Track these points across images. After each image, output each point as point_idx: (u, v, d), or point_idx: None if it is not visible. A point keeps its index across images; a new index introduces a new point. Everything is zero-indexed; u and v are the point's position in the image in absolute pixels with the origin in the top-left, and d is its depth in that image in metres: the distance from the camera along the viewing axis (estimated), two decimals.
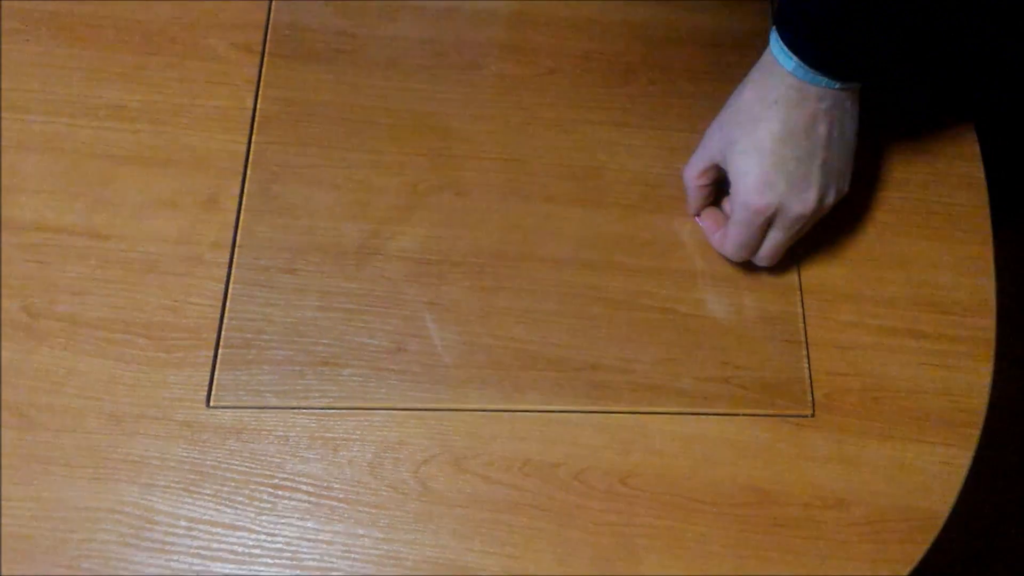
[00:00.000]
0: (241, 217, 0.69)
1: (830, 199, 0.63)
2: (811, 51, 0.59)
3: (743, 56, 0.75)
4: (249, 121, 0.73)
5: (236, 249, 0.68)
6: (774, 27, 0.61)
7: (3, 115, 0.73)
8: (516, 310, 0.66)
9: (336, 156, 0.71)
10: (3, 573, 0.58)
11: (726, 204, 0.68)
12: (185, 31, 0.76)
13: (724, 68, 0.75)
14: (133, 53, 0.75)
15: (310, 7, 0.77)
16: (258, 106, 0.73)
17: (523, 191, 0.70)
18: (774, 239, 0.64)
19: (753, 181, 0.61)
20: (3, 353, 0.64)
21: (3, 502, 0.60)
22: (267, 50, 0.76)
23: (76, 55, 0.75)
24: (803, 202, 0.62)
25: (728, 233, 0.65)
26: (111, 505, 0.60)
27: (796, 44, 0.59)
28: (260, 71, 0.75)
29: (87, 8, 0.77)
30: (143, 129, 0.73)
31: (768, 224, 0.63)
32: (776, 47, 0.60)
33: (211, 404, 0.63)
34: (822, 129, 0.61)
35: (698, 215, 0.69)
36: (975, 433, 0.62)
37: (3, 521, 0.59)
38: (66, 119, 0.73)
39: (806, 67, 0.59)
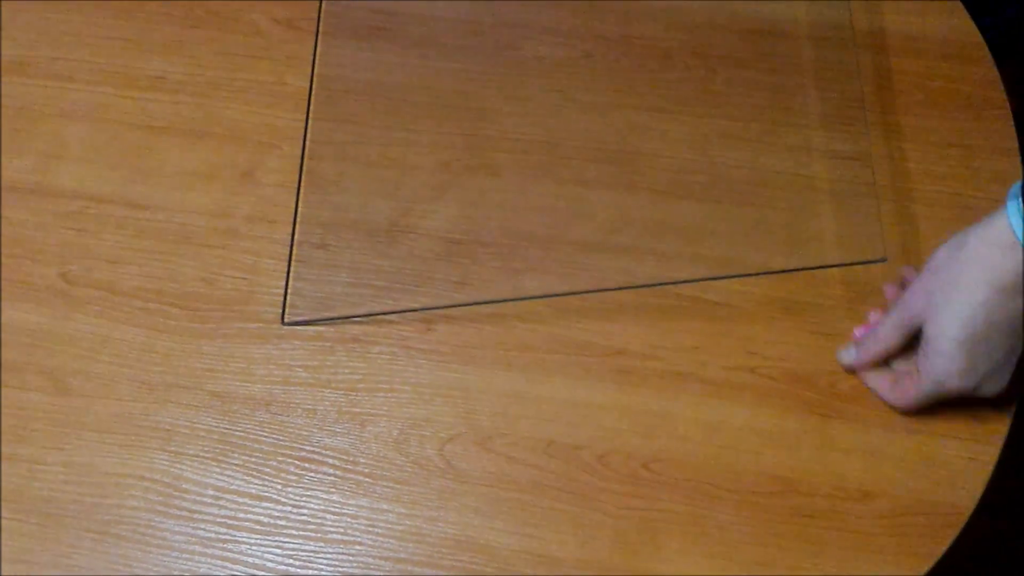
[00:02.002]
0: (276, 192, 0.70)
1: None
2: None
3: (782, 44, 0.75)
4: (287, 96, 0.73)
5: (271, 223, 0.69)
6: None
7: (46, 83, 0.74)
8: (545, 292, 0.66)
9: (371, 133, 0.72)
10: (4, 572, 0.59)
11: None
12: (227, 5, 0.77)
13: (763, 56, 0.74)
14: (176, 25, 0.76)
15: None
16: (297, 82, 0.74)
17: (556, 173, 0.70)
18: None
19: (958, 366, 0.57)
20: (39, 319, 0.65)
21: (35, 465, 0.61)
22: (308, 27, 0.76)
23: (120, 26, 0.76)
24: (995, 386, 0.58)
25: (910, 396, 0.61)
26: (141, 472, 0.61)
27: None
28: (301, 47, 0.75)
29: None
30: (183, 101, 0.73)
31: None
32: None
33: (242, 375, 0.64)
34: None
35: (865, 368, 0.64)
36: (1002, 429, 0.62)
37: (34, 484, 0.61)
38: (108, 89, 0.74)
39: None
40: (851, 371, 0.63)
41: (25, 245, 0.68)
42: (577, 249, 0.67)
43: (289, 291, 0.66)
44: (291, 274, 0.66)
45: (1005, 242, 0.54)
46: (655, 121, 0.72)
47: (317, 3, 0.77)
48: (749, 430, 0.62)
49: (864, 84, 0.73)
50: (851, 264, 0.61)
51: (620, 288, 0.66)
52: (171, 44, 0.76)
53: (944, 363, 0.57)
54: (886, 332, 0.61)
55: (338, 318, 0.65)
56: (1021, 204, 0.53)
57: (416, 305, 0.66)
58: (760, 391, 0.63)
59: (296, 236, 0.68)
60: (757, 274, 0.66)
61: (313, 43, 0.75)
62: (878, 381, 0.63)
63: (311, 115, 0.72)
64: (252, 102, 0.73)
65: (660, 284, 0.66)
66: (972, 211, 0.69)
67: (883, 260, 0.59)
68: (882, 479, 0.61)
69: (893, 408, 0.62)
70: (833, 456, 0.62)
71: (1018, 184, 0.54)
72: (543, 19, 0.76)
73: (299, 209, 0.68)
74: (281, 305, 0.65)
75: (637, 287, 0.66)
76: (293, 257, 0.67)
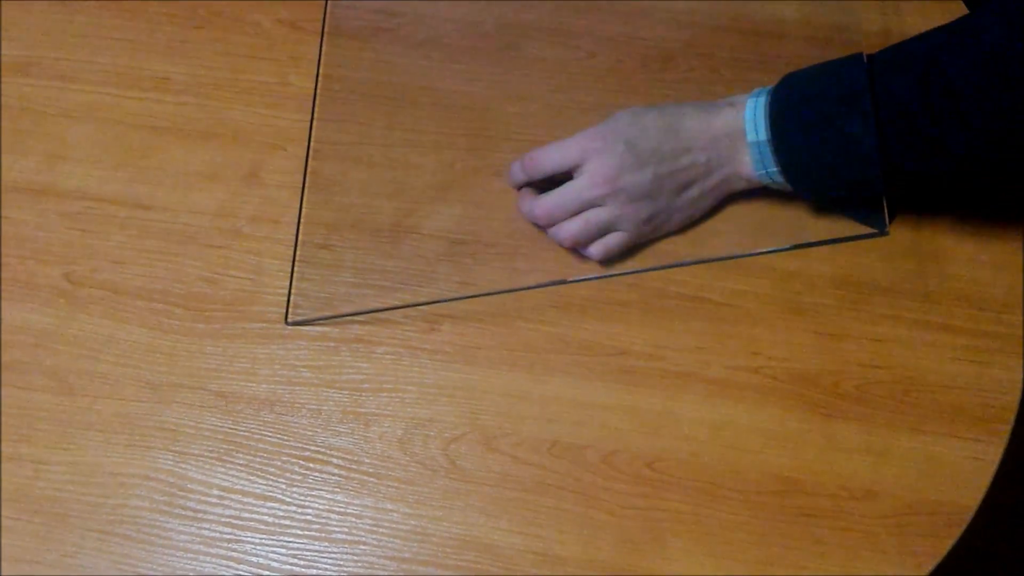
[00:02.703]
0: (280, 193, 0.70)
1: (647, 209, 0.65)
2: (799, 174, 0.62)
3: (785, 46, 0.75)
4: (291, 97, 0.73)
5: (274, 224, 0.69)
6: (770, 123, 0.62)
7: (50, 84, 0.74)
8: (549, 292, 0.66)
9: (374, 134, 0.72)
10: (5, 573, 0.59)
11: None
12: (230, 6, 0.77)
13: (767, 58, 0.74)
14: (179, 26, 0.76)
15: None
16: (300, 83, 0.74)
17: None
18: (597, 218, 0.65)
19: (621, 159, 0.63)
20: (43, 319, 0.66)
21: (39, 465, 0.61)
22: (312, 27, 0.76)
23: (123, 27, 0.76)
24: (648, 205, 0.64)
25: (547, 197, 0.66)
26: (145, 472, 0.61)
27: (788, 163, 0.61)
28: (304, 48, 0.75)
29: None
30: (187, 102, 0.73)
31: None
32: (758, 154, 0.63)
33: (247, 375, 0.64)
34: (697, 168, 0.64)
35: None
36: (1006, 429, 0.62)
37: (39, 484, 0.61)
38: (112, 89, 0.74)
39: (777, 173, 0.63)
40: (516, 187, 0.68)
41: (29, 245, 0.68)
42: None
43: (293, 291, 0.66)
44: (295, 274, 0.67)
45: (729, 101, 0.64)
46: None
47: (320, 4, 0.77)
48: (753, 430, 0.62)
49: None
50: (852, 239, 0.62)
51: (622, 273, 0.66)
52: (174, 45, 0.76)
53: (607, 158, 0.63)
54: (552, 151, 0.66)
55: (341, 316, 0.65)
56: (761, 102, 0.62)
57: (408, 318, 0.66)
58: (764, 391, 0.63)
59: (300, 236, 0.68)
60: (754, 254, 0.67)
61: (316, 44, 0.75)
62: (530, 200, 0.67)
63: (316, 115, 0.72)
64: (255, 103, 0.73)
65: (661, 268, 0.66)
66: None
67: (885, 233, 0.60)
68: (886, 479, 0.61)
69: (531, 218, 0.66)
70: (837, 456, 0.62)
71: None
72: (546, 20, 0.76)
73: (303, 209, 0.68)
74: (285, 305, 0.65)
75: (639, 271, 0.66)
76: (297, 257, 0.67)
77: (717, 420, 0.63)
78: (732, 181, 0.66)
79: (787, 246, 0.65)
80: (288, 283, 0.66)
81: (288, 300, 0.65)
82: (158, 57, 0.75)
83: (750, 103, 0.63)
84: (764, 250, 0.66)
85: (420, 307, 0.66)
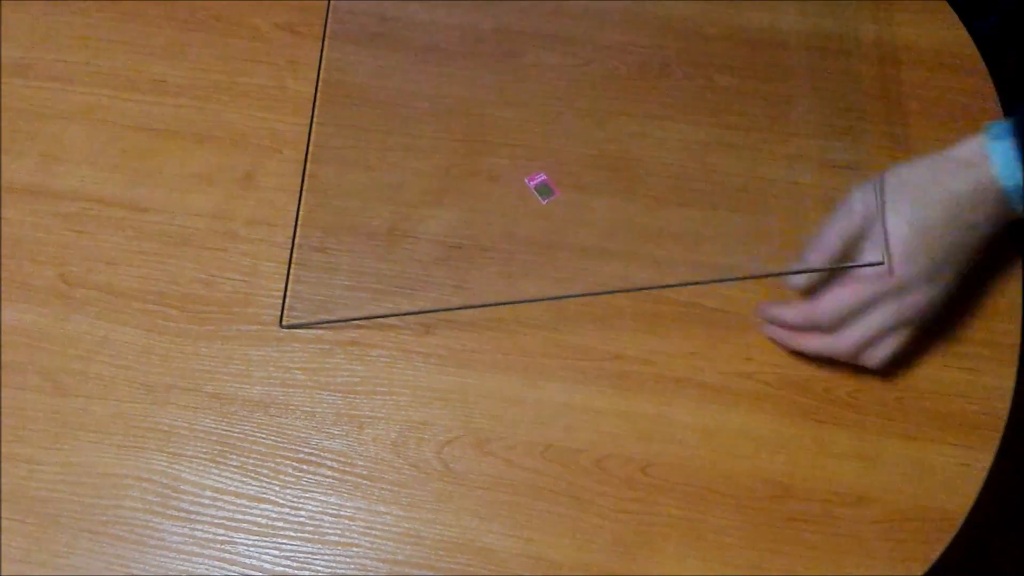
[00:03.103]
0: (276, 196, 0.70)
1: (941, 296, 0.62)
2: None
3: (780, 54, 0.75)
4: (288, 100, 0.74)
5: (270, 226, 0.69)
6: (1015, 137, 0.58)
7: (48, 85, 0.74)
8: (543, 297, 0.66)
9: (372, 138, 0.72)
10: (3, 572, 0.59)
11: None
12: (229, 8, 0.77)
13: (761, 66, 0.75)
14: (177, 29, 0.77)
15: None
16: (297, 87, 0.74)
17: (555, 179, 0.70)
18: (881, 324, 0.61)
19: (902, 247, 0.60)
20: (39, 319, 0.66)
21: (33, 465, 0.61)
22: (309, 32, 0.76)
23: (121, 29, 0.77)
24: (933, 288, 0.61)
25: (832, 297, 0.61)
26: (139, 473, 0.61)
27: None
28: (302, 52, 0.75)
29: None
30: (184, 104, 0.74)
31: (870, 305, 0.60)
32: (1006, 159, 0.58)
33: (241, 377, 0.64)
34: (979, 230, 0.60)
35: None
36: (996, 436, 0.62)
37: (32, 484, 0.61)
38: (109, 91, 0.74)
39: None
40: (807, 292, 0.63)
41: (25, 246, 0.68)
42: (575, 254, 0.68)
43: (288, 294, 0.66)
44: (290, 277, 0.67)
45: (967, 159, 0.60)
46: (653, 128, 0.73)
47: (318, 8, 0.77)
48: (745, 435, 0.63)
49: (861, 94, 0.74)
50: (849, 266, 0.61)
51: (614, 291, 0.66)
52: (172, 47, 0.76)
53: (898, 248, 0.60)
54: (830, 239, 0.62)
55: (334, 321, 0.65)
56: (1012, 144, 0.58)
57: (413, 308, 0.66)
58: (756, 396, 0.64)
59: (296, 239, 0.68)
60: (751, 278, 0.67)
61: (313, 48, 0.75)
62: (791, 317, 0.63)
63: (315, 119, 0.72)
64: (253, 106, 0.74)
65: (652, 288, 0.66)
66: None
67: (880, 263, 0.60)
68: (876, 484, 0.61)
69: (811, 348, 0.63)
70: (828, 461, 0.62)
71: (1001, 123, 0.59)
72: (544, 27, 0.77)
73: (300, 212, 0.69)
74: (280, 307, 0.66)
75: (628, 291, 0.66)
76: (293, 260, 0.67)
77: (710, 425, 0.63)
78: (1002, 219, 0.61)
79: (794, 269, 0.64)
80: (284, 286, 0.66)
81: (283, 303, 0.66)
82: (156, 60, 0.76)
83: (996, 151, 0.59)
84: (771, 272, 0.66)
85: (414, 309, 0.66)
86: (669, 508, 0.61)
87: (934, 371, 0.64)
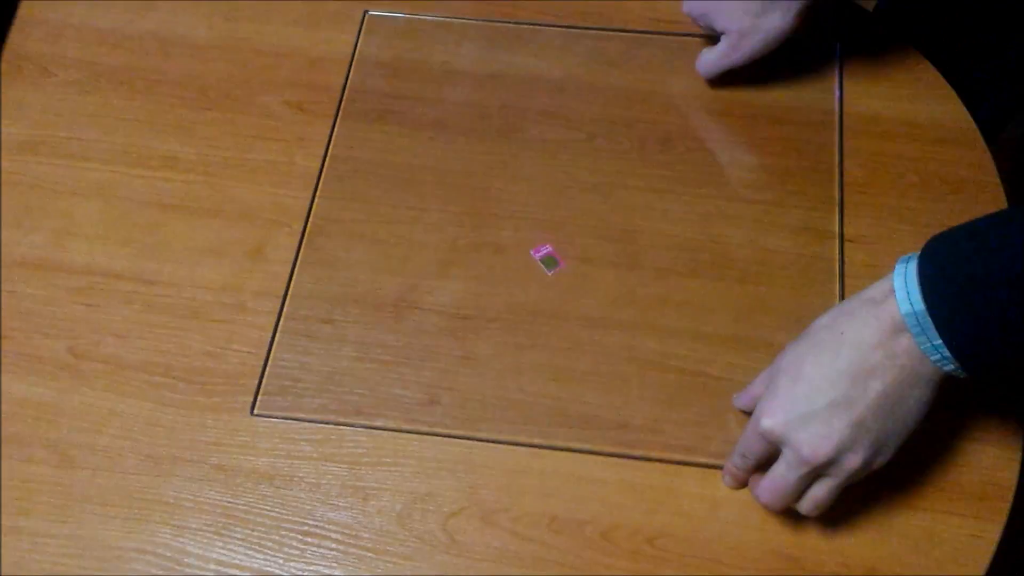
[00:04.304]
0: (284, 268, 0.71)
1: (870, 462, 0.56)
2: (974, 353, 0.51)
3: (781, 129, 0.77)
4: (297, 176, 0.75)
5: (278, 298, 0.70)
6: (925, 305, 0.51)
7: (60, 162, 0.76)
8: (548, 367, 0.67)
9: (379, 211, 0.73)
10: (3, 573, 0.58)
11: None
12: (239, 88, 0.79)
13: (763, 140, 0.76)
14: (188, 107, 0.78)
15: (364, 67, 0.80)
16: (306, 162, 0.76)
17: (560, 251, 0.71)
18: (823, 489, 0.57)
19: (825, 429, 0.54)
20: (46, 392, 0.66)
21: (37, 538, 0.61)
22: (318, 110, 0.78)
23: (133, 107, 0.79)
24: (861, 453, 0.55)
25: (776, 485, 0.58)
26: (143, 545, 0.61)
27: (955, 339, 0.51)
28: (311, 129, 0.77)
29: (146, 63, 0.81)
30: (194, 180, 0.75)
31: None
32: (917, 326, 0.52)
33: (247, 449, 0.64)
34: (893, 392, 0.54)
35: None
36: (1005, 507, 0.62)
37: (36, 557, 0.60)
38: (121, 168, 0.76)
39: (951, 360, 0.51)
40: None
41: (35, 319, 0.69)
42: (581, 324, 0.68)
43: (294, 367, 0.67)
44: (295, 349, 0.67)
45: (872, 297, 0.54)
46: (657, 200, 0.74)
47: (326, 87, 0.79)
48: (753, 506, 0.62)
49: (861, 167, 0.75)
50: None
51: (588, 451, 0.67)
52: (184, 125, 0.78)
53: (805, 433, 0.55)
54: (756, 389, 0.62)
55: (303, 419, 0.65)
56: (909, 268, 0.53)
57: (417, 380, 0.66)
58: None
59: (303, 311, 0.69)
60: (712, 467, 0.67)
61: (322, 125, 0.77)
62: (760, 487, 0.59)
63: (318, 193, 0.74)
64: (262, 181, 0.75)
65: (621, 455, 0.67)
66: None
67: None
68: (886, 556, 0.60)
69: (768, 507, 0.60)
70: (838, 533, 0.61)
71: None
72: (548, 103, 0.78)
73: (304, 284, 0.70)
74: (287, 380, 0.66)
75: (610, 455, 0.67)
76: (300, 331, 0.68)
77: (717, 496, 0.62)
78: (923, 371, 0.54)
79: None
80: (260, 373, 0.67)
81: (257, 391, 0.66)
82: (167, 137, 0.77)
83: (899, 274, 0.53)
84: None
85: (420, 379, 0.66)
86: None
87: (942, 441, 0.64)
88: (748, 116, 0.78)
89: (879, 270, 0.70)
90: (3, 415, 0.65)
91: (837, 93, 0.78)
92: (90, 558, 0.60)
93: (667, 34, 0.82)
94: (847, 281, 0.70)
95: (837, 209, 0.73)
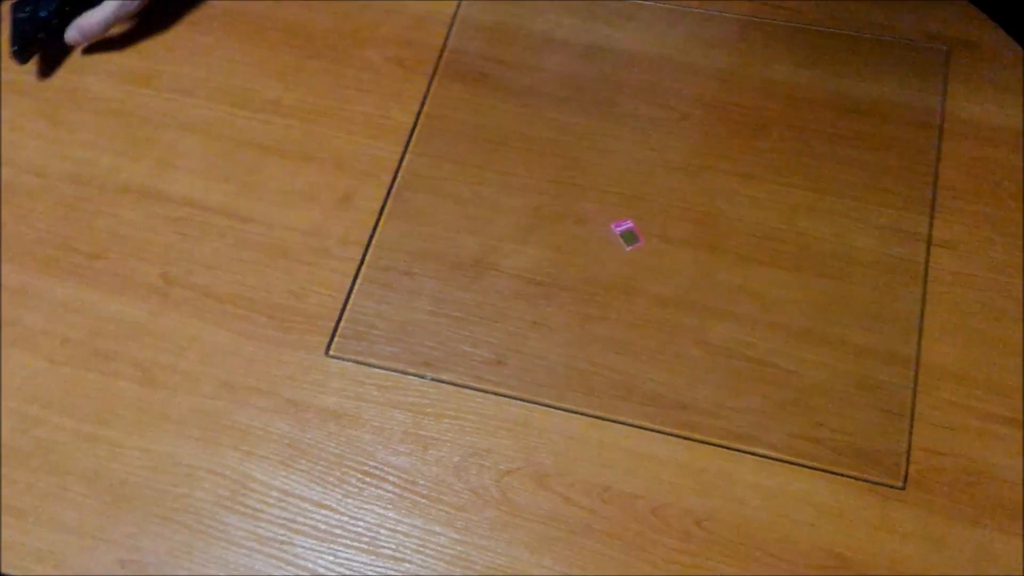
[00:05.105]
0: (370, 218, 0.73)
1: None
2: None
3: (880, 125, 0.75)
4: (391, 130, 0.77)
5: (361, 247, 0.72)
6: None
7: (171, 96, 0.79)
8: (617, 341, 0.67)
9: (467, 172, 0.75)
10: (4, 571, 0.62)
11: None
12: (344, 39, 0.81)
13: (860, 135, 0.75)
14: (294, 55, 0.81)
15: (465, 30, 0.81)
16: (401, 117, 0.77)
17: (641, 228, 0.72)
18: None
19: None
20: (137, 313, 0.69)
21: (115, 448, 0.64)
22: (418, 67, 0.80)
23: (243, 50, 0.81)
24: None
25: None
26: (212, 467, 0.64)
27: None
28: (409, 85, 0.79)
29: (257, 8, 0.83)
30: (293, 125, 0.77)
31: None
32: None
33: (318, 387, 0.66)
34: None
35: None
36: None
37: (112, 465, 0.64)
38: (226, 107, 0.78)
39: None
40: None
41: (132, 243, 0.72)
42: (653, 302, 0.69)
43: (370, 314, 0.69)
44: (374, 297, 0.69)
45: None
46: (744, 187, 0.73)
47: (428, 45, 0.80)
48: (807, 501, 0.62)
49: (958, 171, 0.73)
50: (868, 482, 0.62)
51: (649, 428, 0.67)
52: (288, 72, 0.80)
53: None
54: None
55: (375, 366, 0.67)
56: None
57: (489, 339, 0.67)
58: (824, 463, 0.63)
59: (384, 262, 0.70)
60: (789, 462, 0.66)
61: (420, 82, 0.79)
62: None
63: (410, 149, 0.75)
64: (357, 132, 0.77)
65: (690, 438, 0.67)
66: None
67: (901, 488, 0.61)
68: (938, 567, 0.60)
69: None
70: (890, 539, 0.61)
71: None
72: (644, 79, 0.78)
73: (376, 236, 0.71)
74: (361, 325, 0.68)
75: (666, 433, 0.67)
76: (379, 281, 0.70)
77: (772, 487, 0.62)
78: None
79: (811, 464, 0.64)
80: (338, 316, 0.69)
81: (334, 333, 0.68)
82: (272, 81, 0.80)
83: None
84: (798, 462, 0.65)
85: (490, 339, 0.67)
86: (721, 565, 0.60)
87: (1010, 459, 0.63)
88: (848, 110, 0.76)
89: (966, 277, 0.69)
90: (95, 331, 0.69)
91: (941, 94, 0.76)
92: (162, 472, 0.63)
93: (772, 20, 0.81)
94: (930, 286, 0.69)
95: (928, 212, 0.72)
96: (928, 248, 0.70)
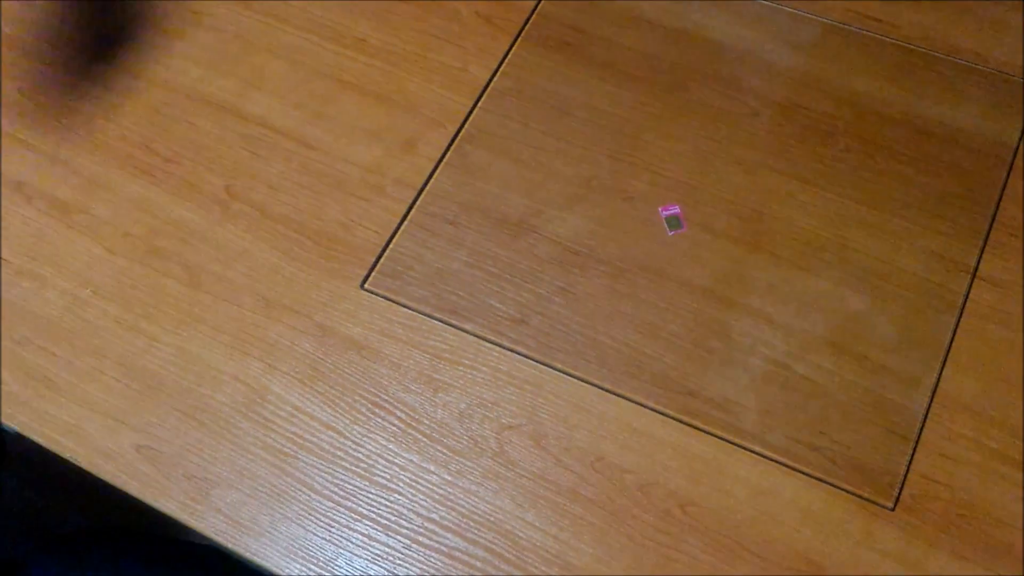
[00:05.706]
0: (428, 165, 0.75)
1: None
2: None
3: (947, 150, 0.74)
4: (466, 83, 0.79)
5: (413, 191, 0.74)
6: None
7: (264, 20, 0.83)
8: (639, 320, 0.69)
9: (530, 134, 0.76)
10: (99, 426, 0.66)
11: None
12: None
13: (925, 157, 0.74)
14: None
15: None
16: (478, 72, 0.79)
17: (686, 214, 0.72)
18: None
19: None
20: (197, 219, 0.74)
21: (151, 341, 0.69)
22: (504, 25, 0.81)
23: None
24: None
25: None
26: (236, 373, 0.68)
27: None
28: (491, 42, 0.81)
29: None
30: (374, 65, 0.80)
31: None
32: None
33: (347, 316, 0.69)
34: None
35: None
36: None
37: (146, 356, 0.68)
38: (315, 38, 0.82)
39: None
40: None
41: (204, 153, 0.76)
42: (683, 289, 0.70)
43: (407, 255, 0.71)
44: (414, 240, 0.72)
45: None
46: (799, 191, 0.73)
47: (517, 5, 0.82)
48: (794, 505, 0.63)
49: (1020, 208, 0.72)
50: (861, 497, 0.61)
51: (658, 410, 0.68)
52: (380, 13, 0.83)
53: None
54: None
55: (407, 306, 0.70)
56: None
57: (516, 299, 0.70)
58: (818, 471, 0.64)
59: (433, 208, 0.73)
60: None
61: (504, 40, 0.80)
62: None
63: (480, 104, 0.77)
64: (433, 80, 0.79)
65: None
66: None
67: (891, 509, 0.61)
68: None
69: None
70: (869, 556, 0.61)
71: None
72: (722, 70, 0.79)
73: (430, 183, 0.74)
74: (401, 264, 0.71)
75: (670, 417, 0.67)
76: (422, 225, 0.72)
77: (762, 485, 0.63)
78: None
79: (805, 470, 0.64)
80: (380, 250, 0.72)
81: (372, 268, 0.71)
82: (363, 20, 0.82)
83: None
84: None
85: (518, 298, 0.69)
86: (696, 551, 0.62)
87: (1006, 500, 0.62)
88: (920, 131, 0.75)
89: (1003, 315, 0.68)
90: (155, 229, 0.73)
91: (1020, 131, 0.75)
92: (190, 371, 0.68)
93: (862, 31, 0.80)
94: (964, 318, 0.68)
95: (980, 244, 0.71)
96: (972, 280, 0.69)
